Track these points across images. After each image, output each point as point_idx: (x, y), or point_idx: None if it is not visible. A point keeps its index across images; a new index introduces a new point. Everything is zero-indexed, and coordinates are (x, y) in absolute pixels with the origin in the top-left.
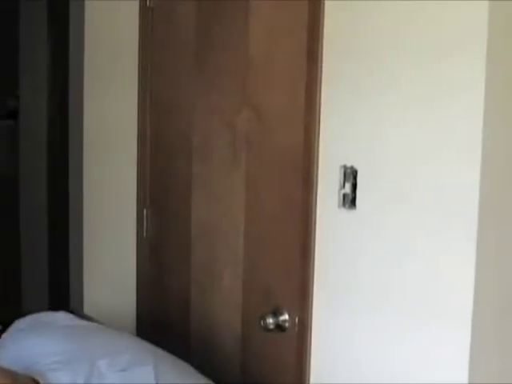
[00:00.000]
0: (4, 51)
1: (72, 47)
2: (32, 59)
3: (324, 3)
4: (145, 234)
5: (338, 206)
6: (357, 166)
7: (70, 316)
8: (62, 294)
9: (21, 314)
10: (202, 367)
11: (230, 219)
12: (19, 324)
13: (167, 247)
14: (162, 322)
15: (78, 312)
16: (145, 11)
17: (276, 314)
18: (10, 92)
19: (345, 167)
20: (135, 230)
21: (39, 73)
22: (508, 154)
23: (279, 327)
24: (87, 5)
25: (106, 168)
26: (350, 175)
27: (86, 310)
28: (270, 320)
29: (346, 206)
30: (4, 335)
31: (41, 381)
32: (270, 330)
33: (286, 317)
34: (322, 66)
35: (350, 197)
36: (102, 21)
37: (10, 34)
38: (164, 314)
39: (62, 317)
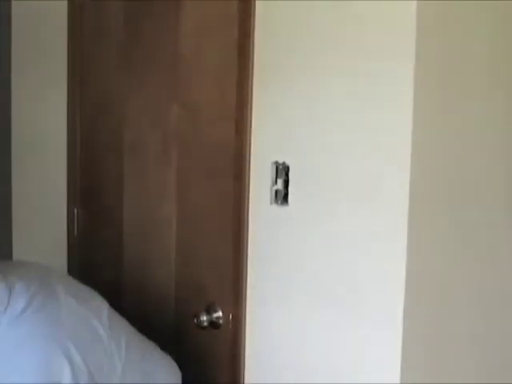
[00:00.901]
0: None
1: None
2: None
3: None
4: (75, 233)
5: (271, 203)
6: (289, 163)
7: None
8: None
9: None
10: None
11: (162, 216)
12: None
13: (99, 245)
14: None
15: None
16: (73, 7)
17: (209, 311)
18: None
19: (277, 163)
20: (66, 229)
21: None
22: (437, 147)
23: (213, 324)
24: (14, 6)
25: (35, 166)
26: (282, 171)
27: None
28: (204, 317)
29: (279, 202)
30: None
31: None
32: (204, 328)
33: (219, 314)
34: (253, 62)
35: (283, 193)
36: (30, 17)
37: None
38: None
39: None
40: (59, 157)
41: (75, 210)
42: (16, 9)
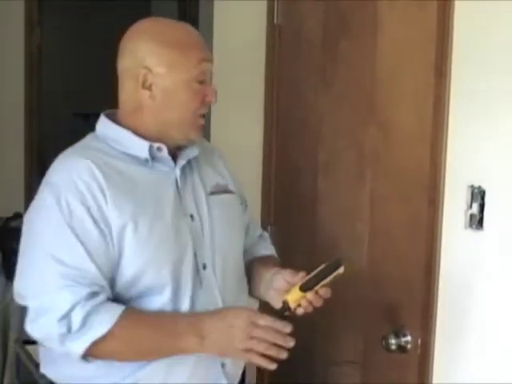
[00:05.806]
0: None
1: None
2: None
3: (453, 19)
4: None
5: (465, 227)
6: (485, 187)
7: None
8: None
9: None
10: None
11: (354, 236)
12: None
13: (289, 263)
14: None
15: None
16: (272, 28)
17: (398, 334)
18: None
19: (472, 187)
20: None
21: None
22: None
23: (401, 348)
24: (215, 24)
25: None
26: (478, 195)
27: None
28: (392, 340)
29: (473, 226)
30: None
31: None
32: (392, 351)
33: (408, 338)
34: (450, 83)
35: (478, 218)
36: (230, 38)
37: None
38: None
39: None
40: (254, 174)
41: (269, 228)
42: (217, 27)
